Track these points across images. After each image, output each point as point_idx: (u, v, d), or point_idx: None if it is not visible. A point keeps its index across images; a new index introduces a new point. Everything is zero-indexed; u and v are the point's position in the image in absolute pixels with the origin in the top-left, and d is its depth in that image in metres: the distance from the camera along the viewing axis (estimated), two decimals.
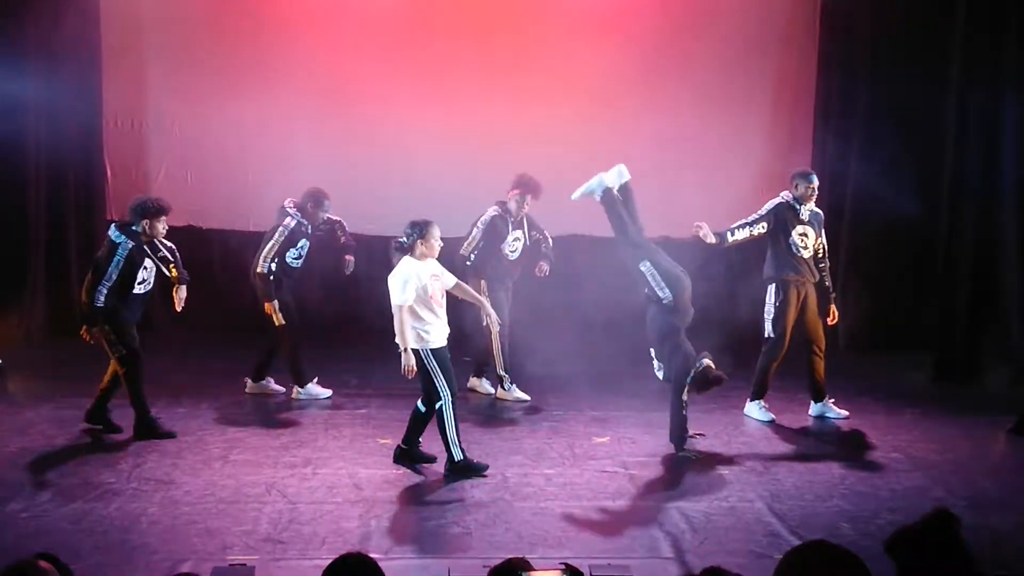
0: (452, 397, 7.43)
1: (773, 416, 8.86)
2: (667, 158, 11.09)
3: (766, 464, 7.83)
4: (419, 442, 7.64)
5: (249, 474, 7.36)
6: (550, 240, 9.59)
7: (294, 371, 9.27)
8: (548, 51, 11.19)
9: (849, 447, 8.28)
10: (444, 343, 7.45)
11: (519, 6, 11.27)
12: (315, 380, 9.33)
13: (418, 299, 7.27)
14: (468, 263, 9.07)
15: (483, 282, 9.08)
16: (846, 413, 9.00)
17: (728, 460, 7.91)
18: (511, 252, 9.31)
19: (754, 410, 8.92)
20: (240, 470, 7.45)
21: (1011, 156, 10.36)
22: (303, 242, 9.10)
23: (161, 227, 8.12)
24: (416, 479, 7.42)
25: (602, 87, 11.21)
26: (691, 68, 11.32)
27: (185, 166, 11.35)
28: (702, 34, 11.31)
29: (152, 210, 8.08)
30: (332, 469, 7.52)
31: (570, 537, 6.45)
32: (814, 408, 9.05)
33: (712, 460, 7.89)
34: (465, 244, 9.14)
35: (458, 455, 7.43)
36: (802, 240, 8.77)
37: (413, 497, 7.11)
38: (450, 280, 7.57)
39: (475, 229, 9.20)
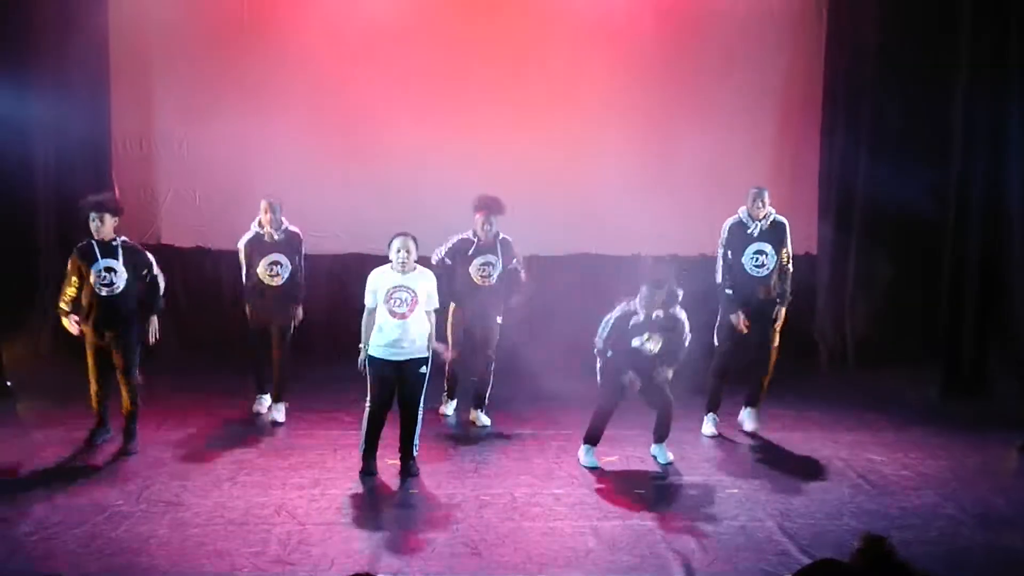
0: (370, 408, 7.77)
1: (718, 432, 8.88)
2: (672, 172, 11.08)
3: (776, 483, 7.81)
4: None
5: (258, 495, 7.36)
6: (522, 273, 9.26)
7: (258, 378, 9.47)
8: (550, 66, 11.16)
9: (858, 465, 8.24)
10: (386, 355, 7.69)
11: (521, 22, 11.24)
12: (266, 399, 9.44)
13: (379, 305, 7.70)
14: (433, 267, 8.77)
15: (452, 304, 9.11)
16: (755, 428, 8.97)
17: (738, 479, 7.90)
18: (481, 277, 9.06)
19: (706, 424, 8.92)
20: (249, 491, 7.45)
21: (1018, 165, 10.34)
22: (273, 256, 9.09)
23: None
24: (426, 499, 7.41)
25: (606, 102, 11.19)
26: (695, 81, 11.27)
27: (193, 187, 11.36)
28: (705, 47, 11.28)
29: None
30: (341, 489, 7.51)
31: (580, 557, 6.44)
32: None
33: (722, 480, 7.88)
34: (435, 252, 9.11)
35: (361, 448, 7.88)
36: (756, 259, 8.80)
37: (422, 517, 7.11)
38: (429, 302, 7.81)
39: (446, 242, 9.14)
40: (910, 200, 10.86)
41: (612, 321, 8.03)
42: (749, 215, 8.82)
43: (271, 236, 9.06)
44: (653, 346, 7.94)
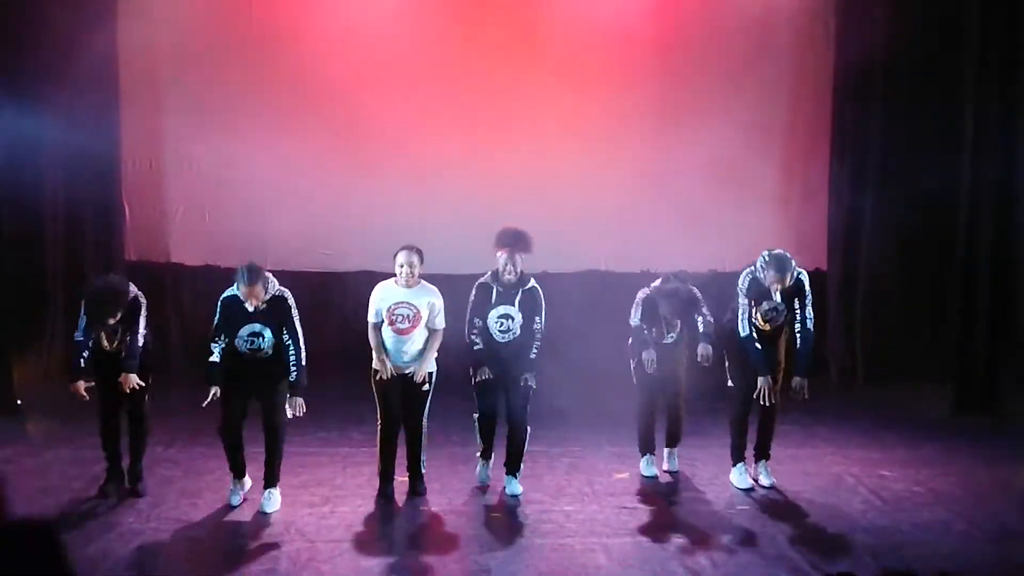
0: (380, 426, 7.73)
1: (751, 484, 8.04)
2: (680, 188, 11.09)
3: (787, 500, 7.79)
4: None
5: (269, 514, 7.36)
6: (541, 325, 7.83)
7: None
8: (558, 83, 11.19)
9: (869, 481, 8.22)
10: (392, 371, 7.63)
11: (529, 40, 11.26)
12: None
13: (383, 319, 7.63)
14: (475, 348, 7.79)
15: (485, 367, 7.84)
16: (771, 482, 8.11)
17: (748, 495, 7.88)
18: (500, 332, 7.76)
19: (734, 475, 8.12)
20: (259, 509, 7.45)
21: None
22: (250, 326, 7.38)
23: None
24: (436, 517, 7.41)
25: (614, 118, 11.23)
26: (703, 97, 11.27)
27: (203, 205, 11.39)
28: (712, 61, 11.29)
29: None
30: (351, 507, 7.51)
31: (590, 574, 6.42)
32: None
33: (733, 496, 7.86)
34: (466, 326, 7.86)
35: (378, 469, 7.80)
36: (767, 314, 7.77)
37: (432, 534, 7.10)
38: (435, 321, 7.68)
39: (468, 303, 7.87)
40: (920, 215, 10.87)
41: (640, 302, 8.25)
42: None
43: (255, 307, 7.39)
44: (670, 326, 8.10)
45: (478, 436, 8.09)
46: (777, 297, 7.80)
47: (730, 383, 8.18)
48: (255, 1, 11.25)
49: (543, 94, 11.23)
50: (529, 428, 7.90)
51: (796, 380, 7.95)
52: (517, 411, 7.83)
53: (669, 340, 8.20)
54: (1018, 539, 7.04)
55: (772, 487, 8.00)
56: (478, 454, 8.15)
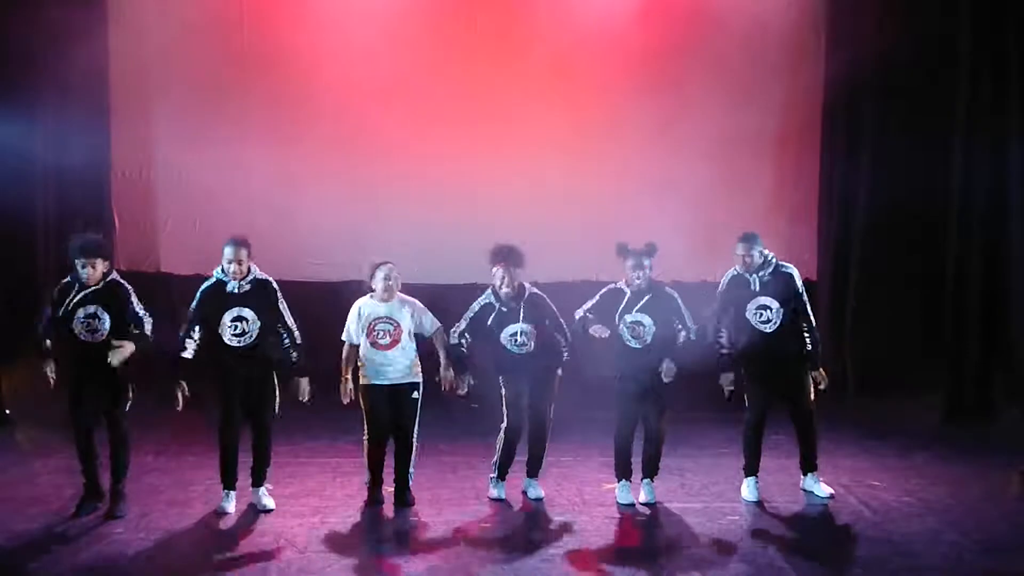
0: (367, 440, 7.79)
1: (759, 497, 7.98)
2: (672, 199, 11.07)
3: (777, 510, 7.78)
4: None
5: (258, 523, 7.35)
6: (567, 336, 7.92)
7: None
8: (552, 94, 11.26)
9: (859, 491, 8.22)
10: (381, 381, 7.71)
11: (525, 51, 11.30)
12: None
13: (361, 337, 7.70)
14: (462, 350, 7.79)
15: (500, 378, 7.92)
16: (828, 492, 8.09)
17: (738, 506, 7.88)
18: (515, 347, 7.79)
19: (744, 488, 8.08)
20: (249, 519, 7.43)
21: (1019, 191, 10.36)
22: (233, 311, 7.50)
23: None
24: (424, 527, 7.39)
25: (606, 130, 11.29)
26: (695, 108, 11.27)
27: (193, 215, 11.39)
28: (704, 73, 11.33)
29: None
30: (341, 518, 7.49)
31: None
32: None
33: (722, 506, 7.85)
34: (459, 325, 7.86)
35: (366, 480, 7.85)
36: (760, 314, 7.87)
37: (421, 545, 7.07)
38: (425, 325, 7.77)
39: (467, 311, 7.90)
40: (910, 225, 10.89)
41: (600, 294, 7.93)
42: (743, 268, 7.93)
43: (236, 287, 7.53)
44: (645, 331, 7.73)
45: (501, 452, 7.98)
46: (756, 284, 7.84)
47: (746, 400, 8.09)
48: (245, 12, 11.28)
49: (534, 106, 11.26)
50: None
51: (808, 375, 7.93)
52: (540, 412, 7.92)
53: (639, 345, 7.76)
54: (1009, 549, 7.03)
55: (831, 497, 7.97)
56: (494, 474, 8.06)
